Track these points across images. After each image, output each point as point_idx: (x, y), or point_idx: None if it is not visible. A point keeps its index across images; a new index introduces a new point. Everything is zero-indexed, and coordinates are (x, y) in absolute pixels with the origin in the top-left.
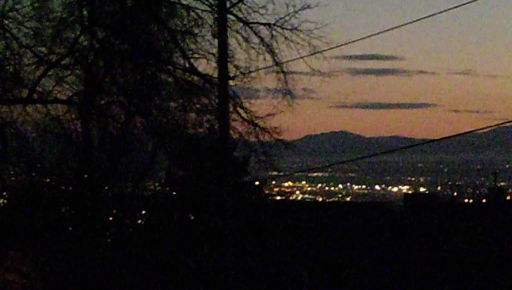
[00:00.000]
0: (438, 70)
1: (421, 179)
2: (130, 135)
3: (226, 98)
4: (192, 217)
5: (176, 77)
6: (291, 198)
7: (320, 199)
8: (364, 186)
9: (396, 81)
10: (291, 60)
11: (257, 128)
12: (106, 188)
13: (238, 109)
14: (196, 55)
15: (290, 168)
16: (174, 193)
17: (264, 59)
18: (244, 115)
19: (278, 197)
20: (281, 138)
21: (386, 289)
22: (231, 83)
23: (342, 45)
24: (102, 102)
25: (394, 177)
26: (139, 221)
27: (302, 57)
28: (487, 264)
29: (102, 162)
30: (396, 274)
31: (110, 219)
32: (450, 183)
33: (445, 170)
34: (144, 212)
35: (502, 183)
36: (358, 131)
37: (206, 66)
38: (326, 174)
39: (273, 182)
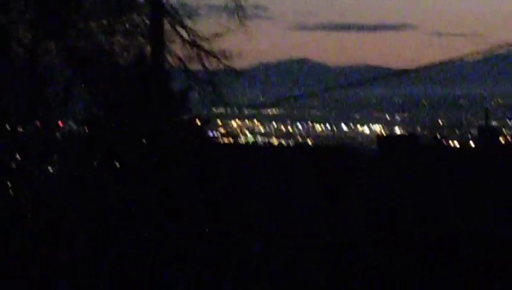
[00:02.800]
0: None
1: (397, 117)
2: (40, 62)
3: (161, 14)
4: (118, 165)
5: None
6: (240, 140)
7: (276, 142)
8: (328, 126)
9: None
10: None
11: (201, 52)
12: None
13: (178, 28)
14: None
15: (240, 103)
16: (94, 135)
17: None
18: (184, 35)
19: (225, 140)
20: (230, 64)
21: (355, 261)
22: None
23: None
24: (3, 22)
25: (365, 115)
26: (50, 169)
27: None
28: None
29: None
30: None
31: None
32: (432, 122)
33: (426, 106)
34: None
35: (494, 123)
36: (321, 58)
37: None
38: (283, 111)
39: (219, 121)
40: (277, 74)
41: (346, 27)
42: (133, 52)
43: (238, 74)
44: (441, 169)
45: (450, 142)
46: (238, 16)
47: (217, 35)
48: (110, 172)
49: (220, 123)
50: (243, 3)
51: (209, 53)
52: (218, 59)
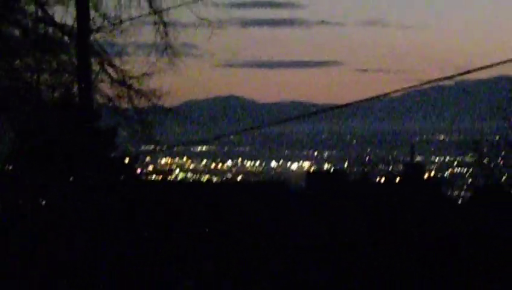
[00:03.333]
0: (343, 21)
1: (326, 154)
2: None
3: (88, 53)
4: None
5: (26, 28)
6: (170, 177)
7: (206, 178)
8: (258, 163)
9: (295, 35)
10: (172, 8)
11: (130, 90)
12: None
13: (106, 66)
14: (51, 1)
15: (169, 140)
16: (19, 172)
17: (139, 6)
18: (113, 74)
19: (154, 177)
20: (160, 103)
21: (288, 276)
22: (97, 35)
23: None
24: None
25: (294, 152)
26: None
27: (185, 3)
28: (397, 253)
29: None
30: (296, 259)
31: None
32: (359, 158)
33: (354, 142)
34: None
35: (419, 158)
36: (250, 95)
37: (64, 15)
38: (213, 148)
39: (148, 158)
40: (206, 110)
41: (275, 64)
42: (60, 90)
43: (167, 111)
44: (367, 203)
45: (378, 177)
46: (167, 55)
47: (146, 74)
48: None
49: (149, 160)
50: (172, 42)
51: (138, 92)
52: (147, 98)
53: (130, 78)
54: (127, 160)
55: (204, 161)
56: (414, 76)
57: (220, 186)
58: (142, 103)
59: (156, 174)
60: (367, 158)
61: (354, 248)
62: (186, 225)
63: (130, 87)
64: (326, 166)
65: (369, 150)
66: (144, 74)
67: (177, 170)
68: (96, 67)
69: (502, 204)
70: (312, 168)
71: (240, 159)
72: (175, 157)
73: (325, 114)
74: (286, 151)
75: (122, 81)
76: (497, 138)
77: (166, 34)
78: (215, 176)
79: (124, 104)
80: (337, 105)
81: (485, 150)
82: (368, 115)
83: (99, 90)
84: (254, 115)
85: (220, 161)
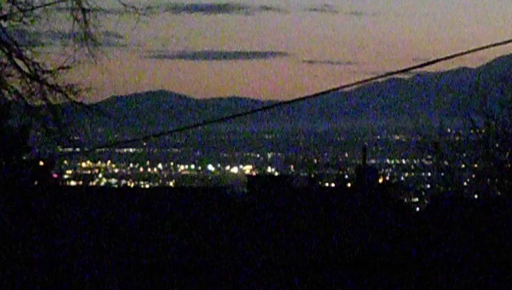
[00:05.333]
0: (286, 6)
1: (269, 155)
2: None
3: None
4: None
5: None
6: (91, 183)
7: (133, 185)
8: (193, 167)
9: (234, 22)
10: None
11: (44, 86)
12: None
13: (16, 59)
14: None
15: (91, 141)
16: None
17: None
18: (24, 68)
19: (73, 183)
20: (79, 99)
21: None
22: (4, 23)
23: None
24: None
25: (234, 154)
26: None
27: None
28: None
29: None
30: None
31: None
32: (306, 160)
33: (301, 143)
34: None
35: (373, 161)
36: (184, 90)
37: None
38: (141, 150)
39: (66, 162)
40: (133, 107)
41: (211, 55)
42: None
43: (87, 109)
44: (315, 210)
45: (327, 183)
46: (87, 45)
47: (62, 67)
48: None
49: (67, 164)
50: (92, 30)
51: (54, 87)
52: (64, 94)
53: (44, 72)
54: (41, 163)
55: (132, 164)
56: (368, 68)
57: (150, 193)
58: (58, 100)
59: (76, 180)
60: (315, 161)
61: (301, 266)
62: (105, 238)
63: (43, 82)
64: (270, 170)
65: (317, 151)
66: (59, 68)
67: (100, 175)
68: (3, 59)
69: (462, 214)
70: (254, 172)
71: (172, 162)
72: (97, 160)
73: (268, 111)
74: (225, 153)
75: (35, 76)
76: (458, 138)
77: (86, 22)
78: (145, 181)
79: (37, 102)
80: (281, 101)
81: (444, 152)
82: (317, 113)
83: (7, 86)
84: (188, 112)
85: (150, 165)
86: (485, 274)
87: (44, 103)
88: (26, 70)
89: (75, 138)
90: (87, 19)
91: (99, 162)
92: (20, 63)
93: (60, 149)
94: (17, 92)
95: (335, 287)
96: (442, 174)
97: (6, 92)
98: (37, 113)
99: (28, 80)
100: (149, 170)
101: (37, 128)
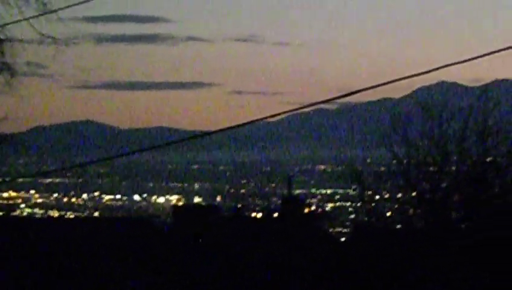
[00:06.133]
0: (213, 37)
1: (196, 186)
2: None
3: None
4: None
5: None
6: (14, 213)
7: (57, 214)
8: (119, 196)
9: (160, 52)
10: (11, 23)
11: None
12: None
13: None
14: None
15: (12, 172)
16: None
17: None
18: None
19: None
20: None
21: None
22: None
23: (82, 2)
24: None
25: (160, 184)
26: None
27: (26, 19)
28: None
29: None
30: None
31: None
32: (233, 191)
33: (227, 173)
34: None
35: (299, 191)
36: (109, 120)
37: None
38: (65, 180)
39: None
40: (57, 137)
41: (137, 85)
42: None
43: (7, 139)
44: (241, 240)
45: (254, 213)
46: (4, 77)
47: None
48: None
49: None
50: (9, 60)
51: None
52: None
53: None
54: None
55: (56, 194)
56: (294, 99)
57: (75, 223)
58: None
59: None
60: (242, 191)
61: None
62: (29, 269)
63: None
64: (196, 200)
65: (244, 181)
66: None
67: (23, 205)
68: None
69: (384, 243)
70: (180, 202)
71: (97, 193)
72: (20, 190)
73: (195, 142)
74: (151, 183)
75: None
76: (382, 168)
77: (3, 52)
78: (69, 211)
79: None
80: (208, 131)
81: (368, 182)
82: (244, 143)
83: None
84: (114, 142)
85: (74, 195)
86: None
87: None
88: None
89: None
90: (5, 49)
91: (22, 193)
92: None
93: None
94: None
95: None
96: (366, 204)
97: None
98: None
99: None
100: (74, 200)
101: None
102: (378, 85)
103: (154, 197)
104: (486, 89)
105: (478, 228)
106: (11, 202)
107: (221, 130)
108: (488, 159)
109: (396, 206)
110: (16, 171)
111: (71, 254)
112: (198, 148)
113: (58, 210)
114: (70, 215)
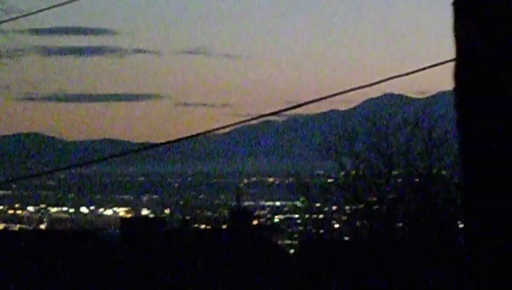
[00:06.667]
0: (160, 49)
1: (144, 198)
2: None
3: None
4: None
5: None
6: None
7: (2, 227)
8: (65, 209)
9: (107, 64)
10: None
11: None
12: None
13: None
14: None
15: None
16: None
17: None
18: None
19: None
20: None
21: None
22: None
23: (28, 14)
24: None
25: (107, 196)
26: None
27: None
28: None
29: None
30: None
31: None
32: (181, 203)
33: (176, 185)
34: None
35: (248, 203)
36: (56, 133)
37: None
38: (10, 193)
39: None
40: (3, 150)
41: (84, 98)
42: None
43: None
44: (188, 252)
45: (203, 225)
46: None
47: None
48: None
49: None
50: None
51: None
52: None
53: None
54: None
55: (1, 206)
56: (242, 111)
57: (20, 236)
58: None
59: None
60: (190, 203)
61: None
62: None
63: None
64: (144, 212)
65: (192, 194)
66: None
67: None
68: None
69: (331, 255)
70: (128, 215)
71: (44, 205)
72: None
73: (142, 154)
74: (98, 195)
75: None
76: (329, 180)
77: None
78: (14, 223)
79: None
80: (155, 143)
81: (316, 194)
82: (191, 155)
83: None
84: (61, 154)
85: (20, 207)
86: None
87: None
88: None
89: None
90: None
91: None
92: None
93: None
94: None
95: None
96: (314, 216)
97: None
98: None
99: None
100: (19, 212)
101: None
102: (325, 97)
103: (101, 210)
104: (430, 101)
105: (421, 238)
106: None
107: (169, 142)
108: (433, 171)
109: (344, 218)
110: None
111: (18, 267)
112: (146, 161)
113: (4, 222)
114: (16, 228)
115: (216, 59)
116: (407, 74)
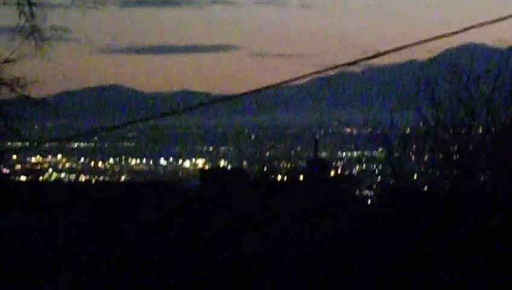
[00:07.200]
0: (236, 0)
1: (222, 149)
2: None
3: None
4: None
5: None
6: (41, 178)
7: (84, 179)
8: (145, 161)
9: (184, 16)
10: None
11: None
12: None
13: None
14: None
15: (40, 136)
16: None
17: None
18: None
19: (23, 178)
20: (26, 93)
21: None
22: None
23: None
24: None
25: (186, 148)
26: None
27: None
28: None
29: None
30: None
31: None
32: (259, 154)
33: (253, 136)
34: None
35: (325, 154)
36: (135, 84)
37: None
38: (92, 145)
39: (15, 157)
40: (84, 102)
41: (162, 49)
42: None
43: (37, 103)
44: (268, 203)
45: (279, 176)
46: (34, 40)
47: (7, 60)
48: None
49: (16, 159)
50: (39, 24)
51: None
52: (10, 87)
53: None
54: None
55: (83, 159)
56: (318, 61)
57: (103, 187)
58: (3, 94)
59: (25, 175)
60: (267, 154)
61: (254, 260)
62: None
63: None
64: (222, 163)
65: (269, 145)
66: (6, 61)
67: (50, 170)
68: None
69: (412, 205)
70: (207, 166)
71: (124, 157)
72: (47, 155)
73: (219, 105)
74: (177, 147)
75: None
76: (408, 130)
77: (33, 15)
78: (96, 175)
79: None
80: (233, 95)
81: (395, 144)
82: (268, 106)
83: None
84: (140, 106)
85: (101, 159)
86: (436, 266)
87: None
88: None
89: (23, 132)
90: (34, 12)
91: (49, 157)
92: None
93: (9, 144)
94: None
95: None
96: (392, 166)
97: None
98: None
99: None
100: (100, 164)
101: None
102: (405, 46)
103: (180, 161)
104: None
105: (504, 190)
106: (38, 167)
107: (246, 93)
108: None
109: (423, 168)
110: (43, 135)
111: (100, 218)
112: (223, 112)
113: (85, 174)
114: (97, 179)
115: (292, 9)
116: (489, 23)
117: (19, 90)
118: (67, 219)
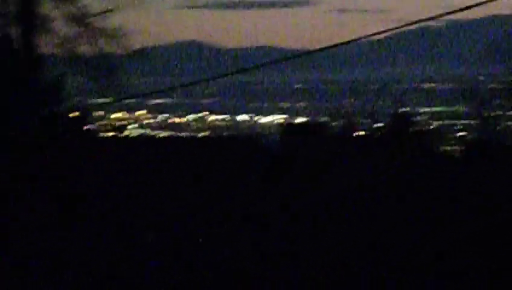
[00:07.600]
0: None
1: (301, 104)
2: None
3: None
4: None
5: None
6: (125, 134)
7: (165, 134)
8: (225, 116)
9: None
10: None
11: (89, 30)
12: None
13: (60, 3)
14: None
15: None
16: None
17: None
18: (67, 10)
19: (109, 134)
20: (125, 44)
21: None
22: None
23: None
24: None
25: (264, 104)
26: None
27: None
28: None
29: None
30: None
31: None
32: (339, 110)
33: (332, 93)
34: None
35: (407, 109)
36: (214, 41)
37: None
38: (172, 101)
39: (98, 113)
40: (164, 58)
41: (240, 5)
42: None
43: (134, 54)
44: (347, 159)
45: (360, 131)
46: None
47: (106, 10)
48: None
49: (103, 115)
50: None
51: (101, 31)
52: (111, 38)
53: (89, 15)
54: (75, 114)
55: (163, 114)
56: (398, 16)
57: (183, 143)
58: (103, 45)
59: (108, 131)
60: (346, 110)
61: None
62: (143, 187)
63: (88, 25)
64: (300, 119)
65: (348, 100)
66: (104, 11)
67: (133, 125)
68: (48, 3)
69: (502, 160)
70: (286, 122)
71: (204, 113)
72: (130, 110)
73: (298, 61)
74: (255, 103)
75: (80, 18)
76: (493, 84)
77: None
78: (177, 131)
79: (80, 48)
80: (311, 50)
81: (480, 99)
82: (347, 61)
83: (46, 30)
84: (220, 62)
85: (182, 115)
86: None
87: (89, 48)
88: (71, 12)
89: (112, 87)
90: None
91: (131, 113)
92: (65, 6)
93: (94, 100)
94: (59, 37)
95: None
96: (478, 121)
97: (45, 38)
98: (77, 61)
99: (73, 23)
100: (179, 120)
101: (78, 77)
102: (488, 1)
103: (259, 117)
104: None
105: None
106: (122, 123)
107: (325, 48)
108: None
109: (509, 123)
110: (126, 91)
111: (182, 174)
112: (302, 68)
113: (167, 130)
114: (177, 135)
115: None
116: None
117: (118, 41)
118: (152, 174)
